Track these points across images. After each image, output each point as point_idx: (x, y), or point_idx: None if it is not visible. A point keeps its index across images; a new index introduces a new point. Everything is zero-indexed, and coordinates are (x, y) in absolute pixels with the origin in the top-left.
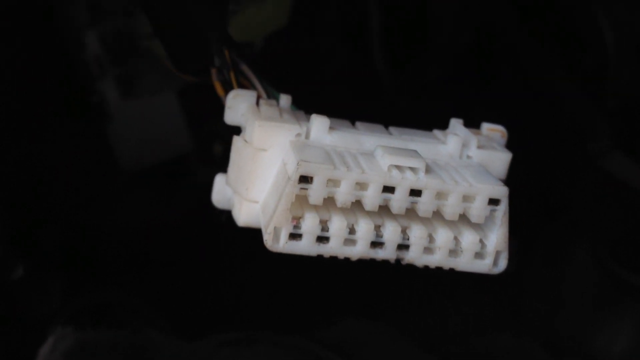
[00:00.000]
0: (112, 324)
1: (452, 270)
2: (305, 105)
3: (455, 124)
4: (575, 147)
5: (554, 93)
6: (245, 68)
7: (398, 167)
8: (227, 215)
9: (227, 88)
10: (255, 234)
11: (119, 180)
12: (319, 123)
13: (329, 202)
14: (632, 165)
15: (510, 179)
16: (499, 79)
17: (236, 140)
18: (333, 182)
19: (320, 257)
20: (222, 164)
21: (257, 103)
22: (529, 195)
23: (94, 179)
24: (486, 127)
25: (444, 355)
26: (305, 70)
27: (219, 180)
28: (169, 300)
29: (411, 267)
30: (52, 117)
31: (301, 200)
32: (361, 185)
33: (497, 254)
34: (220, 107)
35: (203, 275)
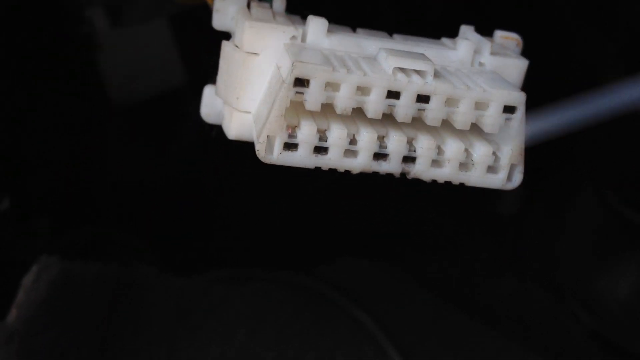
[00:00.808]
0: (100, 257)
1: (462, 185)
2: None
3: (466, 30)
4: (584, 82)
5: (565, 28)
6: None
7: (403, 70)
8: (217, 130)
9: None
10: (250, 166)
11: (110, 115)
12: (316, 25)
13: (328, 109)
14: None
15: None
16: (513, 14)
17: (225, 45)
18: (332, 86)
19: (318, 170)
20: None
21: (248, 5)
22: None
23: (84, 114)
24: (500, 34)
25: (446, 297)
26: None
27: (208, 92)
28: (160, 236)
29: (417, 184)
30: (39, 49)
31: (297, 107)
32: (363, 90)
33: (512, 167)
34: (218, 36)
35: (196, 211)
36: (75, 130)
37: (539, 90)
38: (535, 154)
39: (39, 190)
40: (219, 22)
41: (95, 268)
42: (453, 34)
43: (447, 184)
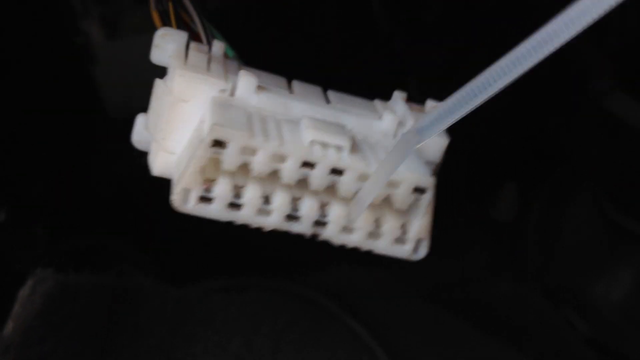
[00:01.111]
0: (96, 268)
1: (370, 252)
2: (299, 49)
3: (397, 98)
4: (577, 88)
5: None
6: (186, 1)
7: (321, 143)
8: (146, 159)
9: (166, 20)
10: None
11: (105, 126)
12: (245, 82)
13: (248, 167)
14: (635, 106)
15: (510, 121)
16: (498, 21)
17: (157, 85)
18: (249, 150)
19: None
20: None
21: (188, 46)
22: (530, 139)
23: (79, 125)
24: (430, 105)
25: (442, 301)
26: (300, 14)
27: (140, 120)
28: (157, 245)
29: None
30: (34, 60)
31: (217, 163)
32: (279, 157)
33: (418, 241)
34: None
35: (192, 220)
36: (70, 141)
37: (528, 96)
38: (532, 160)
39: (35, 201)
40: (157, 57)
41: (91, 279)
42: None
43: (356, 248)
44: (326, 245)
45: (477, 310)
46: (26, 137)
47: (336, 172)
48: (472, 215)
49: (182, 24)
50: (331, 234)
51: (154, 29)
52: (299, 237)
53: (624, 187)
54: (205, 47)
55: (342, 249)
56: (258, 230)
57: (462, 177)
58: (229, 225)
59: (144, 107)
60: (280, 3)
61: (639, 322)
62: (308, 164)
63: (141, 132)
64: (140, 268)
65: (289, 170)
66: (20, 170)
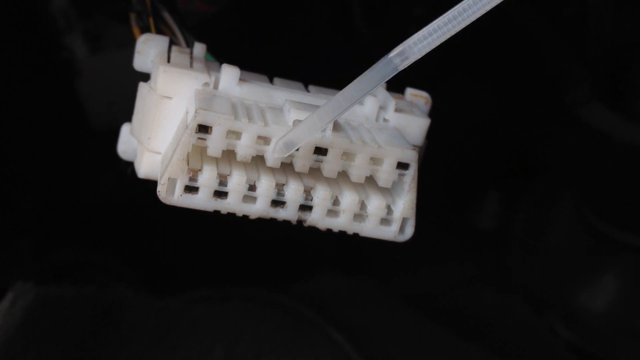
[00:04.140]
0: (77, 280)
1: (356, 235)
2: (281, 59)
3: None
4: (555, 98)
5: (533, 42)
6: (166, 15)
7: None
8: (132, 167)
9: None
10: None
11: (89, 139)
12: (228, 73)
13: (232, 155)
14: (611, 115)
15: (492, 131)
16: (481, 30)
17: (141, 87)
18: (234, 134)
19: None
20: None
21: (170, 49)
22: (509, 149)
23: (63, 139)
24: (410, 92)
25: (425, 310)
26: (283, 24)
27: (125, 129)
28: (138, 257)
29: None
30: (17, 75)
31: (202, 151)
32: (264, 140)
33: (404, 221)
34: None
35: (174, 231)
36: (53, 155)
37: (508, 105)
38: (514, 169)
39: (17, 215)
40: (139, 63)
41: (72, 292)
42: None
43: (342, 232)
44: (308, 254)
45: (460, 319)
46: (10, 151)
47: (320, 151)
48: (455, 224)
49: None
50: (317, 217)
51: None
52: (280, 246)
53: (605, 195)
54: (187, 50)
55: (323, 257)
56: (239, 240)
57: (445, 186)
58: (210, 234)
59: (128, 120)
60: (262, 15)
61: (622, 328)
62: None
63: (126, 141)
64: (121, 280)
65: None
66: (3, 184)
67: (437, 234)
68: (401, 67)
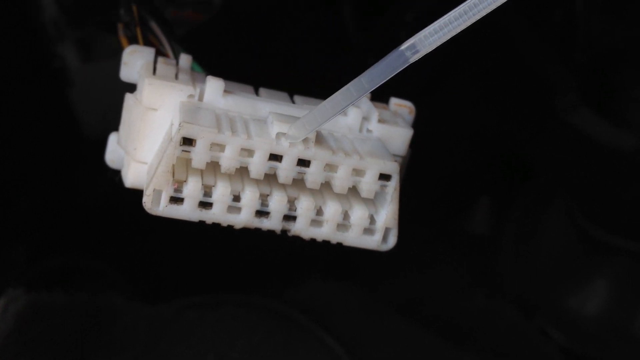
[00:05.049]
0: (69, 287)
1: (339, 244)
2: (273, 67)
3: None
4: (544, 104)
5: (522, 48)
6: (154, 26)
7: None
8: (120, 176)
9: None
10: None
11: (80, 146)
12: (213, 85)
13: (216, 166)
14: (600, 121)
15: (483, 137)
16: (470, 37)
17: (128, 98)
18: (218, 147)
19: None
20: None
21: (156, 61)
22: (500, 155)
23: (56, 146)
24: (394, 102)
25: (416, 315)
26: (274, 29)
27: (113, 139)
28: (131, 263)
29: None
30: (10, 84)
31: (187, 163)
32: (248, 152)
33: (387, 230)
34: None
35: (166, 238)
36: (44, 163)
37: (498, 111)
38: (505, 174)
39: (10, 221)
40: (125, 74)
41: (64, 297)
42: None
43: (326, 242)
44: (300, 260)
45: (451, 324)
46: (2, 158)
47: (303, 163)
48: (446, 229)
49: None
50: (300, 227)
51: None
52: (272, 252)
53: (595, 199)
54: (173, 61)
55: (315, 263)
56: (230, 246)
57: (436, 191)
58: (202, 241)
59: (118, 128)
60: (253, 23)
61: (613, 331)
62: (275, 157)
63: (114, 150)
64: (113, 286)
65: (257, 164)
66: None
67: (428, 239)
68: (412, 60)
